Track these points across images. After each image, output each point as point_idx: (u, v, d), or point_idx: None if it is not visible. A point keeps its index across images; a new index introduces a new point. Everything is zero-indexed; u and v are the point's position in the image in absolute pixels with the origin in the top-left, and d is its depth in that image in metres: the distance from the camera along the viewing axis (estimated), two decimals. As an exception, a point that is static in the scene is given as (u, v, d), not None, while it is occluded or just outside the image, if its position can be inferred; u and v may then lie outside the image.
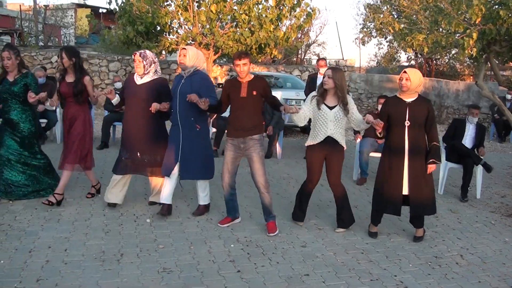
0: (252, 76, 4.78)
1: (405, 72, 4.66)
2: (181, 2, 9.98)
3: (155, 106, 4.92)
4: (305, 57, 21.60)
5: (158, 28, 10.47)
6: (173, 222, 5.05)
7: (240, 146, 4.76)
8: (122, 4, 10.14)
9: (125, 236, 4.64)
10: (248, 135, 4.71)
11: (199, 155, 5.06)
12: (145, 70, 5.03)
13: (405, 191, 4.70)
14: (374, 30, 22.42)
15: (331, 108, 4.78)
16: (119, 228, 4.81)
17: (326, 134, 4.79)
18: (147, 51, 5.14)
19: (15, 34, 21.69)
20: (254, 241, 4.69)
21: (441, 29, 6.20)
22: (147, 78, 5.06)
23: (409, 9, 6.76)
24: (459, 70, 21.62)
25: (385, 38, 22.54)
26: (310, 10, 10.62)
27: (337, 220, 5.10)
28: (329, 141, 4.81)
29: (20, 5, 23.54)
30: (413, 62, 22.83)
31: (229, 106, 4.92)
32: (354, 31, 52.68)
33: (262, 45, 10.19)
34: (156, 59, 5.19)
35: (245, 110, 4.71)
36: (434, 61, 20.78)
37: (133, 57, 5.09)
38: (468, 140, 6.94)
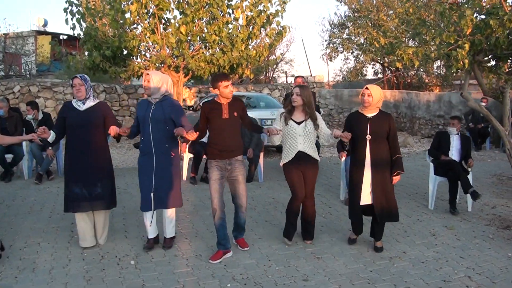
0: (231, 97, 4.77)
1: (366, 88, 4.85)
2: (148, 25, 9.62)
3: (115, 130, 4.66)
4: (273, 75, 21.49)
5: (125, 52, 10.06)
6: (160, 262, 4.63)
7: (227, 168, 4.76)
8: (87, 29, 9.72)
9: (109, 283, 4.18)
10: (233, 156, 4.77)
11: (170, 183, 4.82)
12: (87, 94, 4.82)
13: (367, 201, 4.90)
14: (340, 46, 22.68)
15: (298, 123, 4.89)
16: (101, 274, 4.35)
17: (297, 149, 4.88)
18: (85, 75, 4.91)
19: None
20: (251, 277, 4.32)
21: (426, 42, 6.06)
22: (90, 103, 4.84)
23: (387, 23, 6.58)
24: (427, 81, 21.87)
25: (352, 53, 22.71)
26: (281, 29, 10.43)
27: (304, 234, 5.25)
28: (302, 156, 4.89)
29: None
30: (380, 76, 23.01)
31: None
32: (320, 47, 53.52)
33: (234, 65, 9.91)
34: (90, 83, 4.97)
35: (228, 132, 4.71)
36: (402, 74, 20.96)
37: (71, 81, 4.79)
38: (454, 152, 6.84)
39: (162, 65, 10.01)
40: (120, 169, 9.46)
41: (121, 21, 9.42)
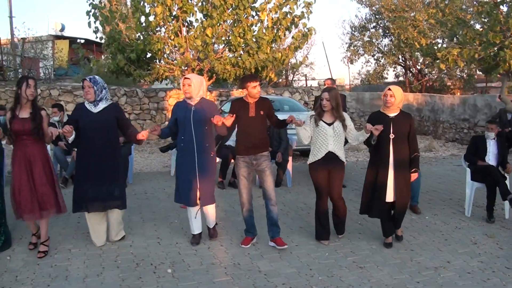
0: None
1: (389, 89, 5.04)
2: (172, 28, 9.51)
3: (145, 134, 4.87)
4: (294, 79, 21.29)
5: (149, 55, 9.97)
6: (197, 271, 4.46)
7: (253, 163, 5.02)
8: (111, 33, 9.64)
9: (148, 293, 4.03)
10: (258, 151, 5.00)
11: (209, 181, 5.05)
12: (97, 97, 4.83)
13: (390, 198, 5.06)
14: (361, 48, 22.46)
15: (329, 124, 4.98)
16: (138, 283, 4.19)
17: (327, 149, 4.98)
18: (97, 77, 4.94)
19: (-6, 68, 20.91)
20: (294, 287, 4.13)
21: (464, 43, 5.83)
22: (102, 105, 4.88)
23: (423, 23, 6.37)
24: (449, 84, 21.54)
25: (373, 56, 22.47)
26: (306, 31, 10.27)
27: (336, 229, 5.42)
28: (330, 157, 4.99)
29: (6, 39, 22.83)
30: (401, 79, 22.74)
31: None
32: (341, 50, 53.13)
33: (259, 68, 9.76)
34: (106, 85, 5.02)
35: (254, 129, 4.96)
36: (425, 77, 20.68)
37: (82, 83, 4.85)
38: (491, 157, 6.62)
39: (186, 68, 9.90)
40: (145, 173, 9.34)
41: (145, 24, 9.34)
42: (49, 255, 4.83)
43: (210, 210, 5.21)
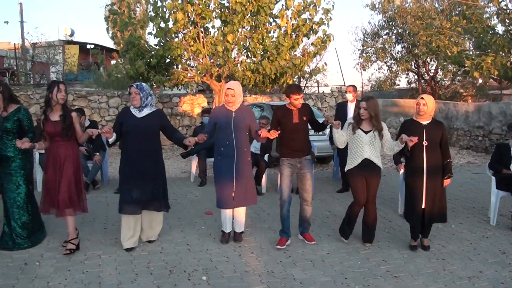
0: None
1: (422, 98, 5.17)
2: (191, 34, 9.52)
3: (192, 140, 5.03)
4: (306, 85, 21.27)
5: (167, 60, 9.97)
6: (232, 278, 4.44)
7: (297, 165, 5.34)
8: (130, 38, 9.66)
9: (185, 301, 4.00)
10: (303, 155, 5.34)
11: (249, 183, 5.30)
12: (142, 103, 4.99)
13: (423, 205, 5.16)
14: (374, 55, 22.43)
15: (366, 132, 5.12)
16: (174, 290, 4.17)
17: (363, 156, 5.13)
18: (143, 84, 5.11)
19: (7, 73, 20.98)
20: (331, 296, 4.11)
21: (489, 50, 5.80)
22: (147, 111, 5.03)
23: (449, 31, 6.34)
24: (461, 91, 21.47)
25: (386, 63, 22.43)
26: (325, 37, 10.26)
27: (365, 236, 5.44)
28: (367, 163, 5.14)
29: (14, 44, 22.93)
30: (414, 85, 22.69)
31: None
32: (353, 56, 53.02)
33: (278, 74, 9.75)
34: (152, 92, 5.19)
35: (298, 134, 5.28)
36: (438, 84, 20.62)
37: (129, 89, 5.03)
38: (516, 165, 6.54)
39: (204, 74, 9.90)
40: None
41: (165, 30, 9.35)
42: (79, 261, 4.82)
43: (241, 213, 5.41)
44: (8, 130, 5.05)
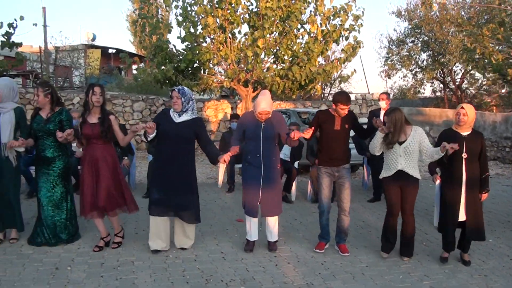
0: None
1: (462, 107, 4.95)
2: (220, 39, 9.45)
3: (226, 157, 4.88)
4: (330, 92, 21.08)
5: (195, 65, 9.91)
6: (271, 290, 4.29)
7: (334, 174, 5.19)
8: (158, 42, 9.62)
9: (226, 311, 3.86)
10: (342, 164, 5.18)
11: (275, 193, 5.16)
12: (183, 107, 4.87)
13: (461, 218, 4.98)
14: (398, 63, 22.19)
15: (400, 143, 4.93)
16: (214, 301, 4.04)
17: (397, 168, 4.96)
18: (186, 88, 4.97)
19: (30, 75, 21.20)
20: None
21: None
22: (186, 116, 4.90)
23: (489, 39, 6.15)
24: (488, 100, 21.11)
25: (411, 71, 22.17)
26: (355, 44, 10.12)
27: (402, 250, 5.22)
28: (402, 174, 4.96)
29: (40, 47, 23.15)
30: (438, 94, 22.38)
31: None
32: (377, 64, 52.66)
33: (307, 80, 9.61)
34: (193, 96, 5.10)
35: (338, 142, 5.13)
36: (463, 93, 20.30)
37: (170, 93, 4.91)
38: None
39: (232, 79, 9.81)
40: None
41: (194, 34, 9.29)
42: (111, 266, 4.73)
43: (272, 222, 5.24)
44: (50, 131, 5.08)
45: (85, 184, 5.02)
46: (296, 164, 8.04)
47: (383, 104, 7.89)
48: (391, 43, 22.96)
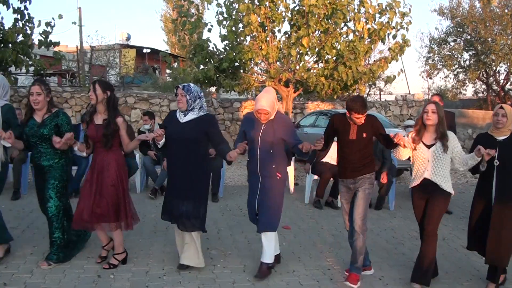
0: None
1: (501, 108, 4.33)
2: (262, 37, 9.18)
3: (233, 155, 4.38)
4: (369, 92, 20.58)
5: (236, 64, 9.65)
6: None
7: (350, 187, 4.50)
8: (200, 41, 9.40)
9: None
10: (358, 175, 4.42)
11: (272, 205, 4.49)
12: (189, 106, 4.40)
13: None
14: (440, 63, 21.53)
15: (429, 146, 4.29)
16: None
17: (423, 176, 4.31)
18: (191, 85, 4.53)
19: (67, 74, 21.42)
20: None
21: None
22: (191, 115, 4.43)
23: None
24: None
25: (453, 71, 21.48)
26: (402, 42, 9.69)
27: (414, 275, 4.35)
28: (429, 184, 4.29)
29: (76, 47, 23.43)
30: (480, 95, 21.64)
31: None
32: (418, 64, 51.40)
33: (352, 81, 9.24)
34: (202, 94, 4.57)
35: (354, 152, 4.39)
36: (507, 94, 19.54)
37: (175, 90, 4.47)
38: None
39: (273, 79, 9.52)
40: (230, 187, 8.97)
41: (236, 33, 9.05)
42: (157, 276, 4.49)
43: (266, 241, 4.52)
44: (45, 136, 4.52)
45: (85, 191, 4.53)
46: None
47: (435, 107, 7.43)
48: (432, 42, 22.29)
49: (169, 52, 29.96)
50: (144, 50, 29.79)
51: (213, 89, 16.29)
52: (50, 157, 4.59)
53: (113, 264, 4.64)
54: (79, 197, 4.57)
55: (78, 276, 4.40)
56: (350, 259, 4.46)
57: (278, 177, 4.49)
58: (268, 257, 4.54)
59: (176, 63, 31.69)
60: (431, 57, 21.94)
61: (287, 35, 9.90)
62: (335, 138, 4.63)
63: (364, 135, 4.34)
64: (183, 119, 4.43)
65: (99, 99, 4.43)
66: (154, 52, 29.53)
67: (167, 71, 32.91)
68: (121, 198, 4.52)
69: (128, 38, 31.00)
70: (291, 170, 8.41)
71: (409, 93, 17.88)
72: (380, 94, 21.07)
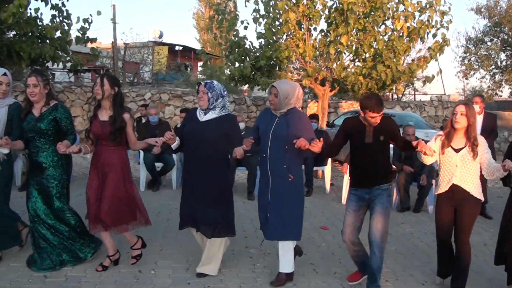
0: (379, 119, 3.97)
1: None
2: (300, 35, 9.10)
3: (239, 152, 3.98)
4: (404, 92, 20.27)
5: (271, 62, 9.60)
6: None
7: (365, 197, 4.08)
8: (238, 39, 9.39)
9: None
10: (374, 185, 4.03)
11: (284, 211, 4.09)
12: (210, 104, 4.13)
13: None
14: (476, 63, 21.08)
15: (457, 150, 4.01)
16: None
17: (451, 182, 4.03)
18: (215, 82, 4.26)
19: (101, 70, 21.72)
20: None
21: None
22: (212, 115, 4.16)
23: None
24: None
25: (490, 72, 21.01)
26: (442, 41, 9.48)
27: (453, 284, 4.15)
28: (457, 191, 4.02)
29: (112, 43, 23.71)
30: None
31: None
32: (453, 64, 50.38)
33: (391, 80, 9.08)
34: (226, 92, 4.30)
35: (370, 158, 4.02)
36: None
37: (197, 87, 4.20)
38: None
39: (309, 77, 9.42)
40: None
41: (274, 30, 9.01)
42: (194, 273, 4.40)
43: (282, 249, 4.23)
44: (42, 131, 4.26)
45: (90, 192, 4.29)
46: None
47: (477, 108, 7.22)
48: (468, 42, 21.85)
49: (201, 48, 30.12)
50: (176, 48, 29.93)
51: (245, 87, 16.25)
52: (48, 153, 4.33)
53: (139, 255, 4.56)
54: (86, 200, 4.33)
55: (119, 271, 4.41)
56: (368, 277, 4.16)
57: (290, 179, 4.09)
58: (284, 267, 4.26)
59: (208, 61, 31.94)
60: (467, 57, 21.52)
61: (323, 33, 9.79)
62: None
63: (381, 138, 3.99)
64: (202, 117, 4.20)
65: (106, 95, 4.19)
66: (186, 49, 29.71)
67: (199, 68, 33.11)
68: (129, 198, 4.33)
69: (160, 36, 31.23)
70: (327, 169, 8.34)
71: (445, 94, 17.52)
72: (414, 94, 20.72)
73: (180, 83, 22.77)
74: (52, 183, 4.33)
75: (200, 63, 33.41)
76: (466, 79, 21.98)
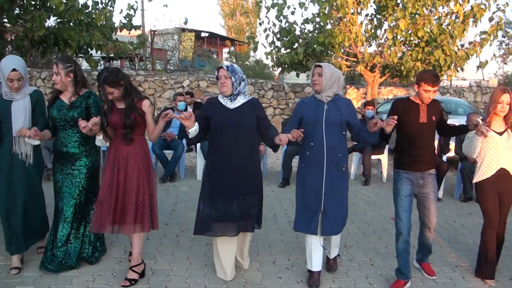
0: None
1: None
2: (352, 20, 8.92)
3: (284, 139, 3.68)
4: (442, 78, 19.87)
5: (323, 48, 9.42)
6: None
7: (418, 182, 3.93)
8: (287, 26, 9.23)
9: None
10: (427, 168, 3.93)
11: (341, 202, 3.90)
12: (234, 90, 3.78)
13: None
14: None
15: (500, 133, 4.00)
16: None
17: (499, 165, 4.00)
18: (235, 65, 3.90)
19: (135, 58, 21.72)
20: None
21: None
22: (241, 100, 3.83)
23: None
24: None
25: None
26: (498, 25, 9.22)
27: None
28: (502, 175, 4.01)
29: (143, 30, 23.75)
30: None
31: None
32: (492, 48, 49.53)
33: (448, 66, 8.87)
34: (244, 76, 3.92)
35: (425, 139, 3.89)
36: None
37: (216, 72, 3.82)
38: None
39: (365, 63, 9.23)
40: (275, 172, 8.76)
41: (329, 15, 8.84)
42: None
43: (336, 239, 4.17)
44: (75, 120, 3.92)
45: (104, 188, 3.84)
46: (444, 158, 7.36)
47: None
48: (507, 26, 21.29)
49: (225, 36, 29.96)
50: (202, 34, 29.83)
51: (276, 72, 16.06)
52: (79, 143, 4.06)
53: (134, 280, 3.92)
54: (98, 197, 3.89)
55: (205, 264, 4.25)
56: (421, 252, 4.28)
57: (343, 169, 3.89)
58: (335, 252, 4.25)
59: (232, 47, 31.68)
60: (505, 41, 21.04)
61: (372, 18, 9.58)
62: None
63: (434, 118, 3.90)
64: (231, 105, 3.84)
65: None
66: (212, 36, 29.59)
67: (224, 55, 33.02)
68: (147, 196, 3.89)
69: (185, 22, 31.16)
70: (384, 158, 8.18)
71: (483, 79, 17.15)
72: (450, 81, 20.30)
73: (208, 70, 22.69)
74: (83, 172, 4.07)
75: (225, 50, 33.34)
76: (505, 64, 21.51)
